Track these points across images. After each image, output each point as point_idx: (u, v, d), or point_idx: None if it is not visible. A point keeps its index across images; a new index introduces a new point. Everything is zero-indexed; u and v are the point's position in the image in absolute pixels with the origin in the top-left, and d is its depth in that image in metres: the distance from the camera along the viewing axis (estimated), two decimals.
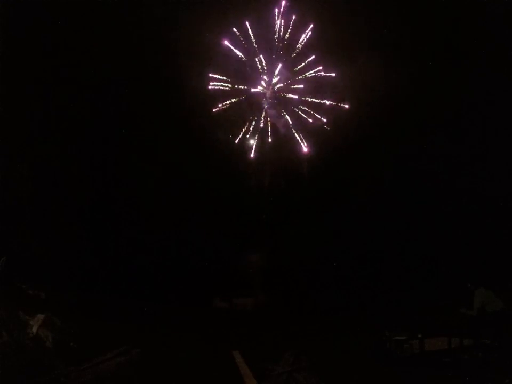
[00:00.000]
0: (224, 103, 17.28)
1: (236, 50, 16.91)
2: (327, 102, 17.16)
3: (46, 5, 12.45)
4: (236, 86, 17.36)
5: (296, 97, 17.63)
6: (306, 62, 17.13)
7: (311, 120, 17.36)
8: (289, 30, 16.86)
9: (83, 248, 13.91)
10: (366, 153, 15.88)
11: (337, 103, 16.96)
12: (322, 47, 16.56)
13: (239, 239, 16.46)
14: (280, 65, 17.41)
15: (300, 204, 16.94)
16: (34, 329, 7.49)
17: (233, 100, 17.46)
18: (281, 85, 17.74)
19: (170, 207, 16.02)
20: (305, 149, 17.33)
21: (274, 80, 17.64)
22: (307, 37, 16.71)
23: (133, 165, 15.83)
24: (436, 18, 14.01)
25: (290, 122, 17.57)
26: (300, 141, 17.40)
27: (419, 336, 8.70)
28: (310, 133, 17.37)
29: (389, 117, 15.29)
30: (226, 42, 16.68)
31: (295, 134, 17.46)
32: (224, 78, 17.14)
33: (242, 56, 17.06)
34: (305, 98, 17.52)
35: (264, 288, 16.80)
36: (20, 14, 11.67)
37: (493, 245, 12.52)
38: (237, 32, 16.65)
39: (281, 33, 16.91)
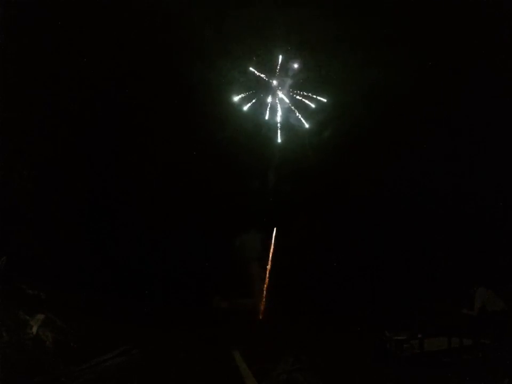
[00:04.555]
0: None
1: None
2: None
3: (45, 4, 12.40)
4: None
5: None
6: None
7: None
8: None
9: (83, 248, 13.89)
10: (366, 153, 15.87)
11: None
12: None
13: (239, 239, 16.47)
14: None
15: (300, 203, 16.93)
16: (34, 329, 7.49)
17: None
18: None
19: (171, 205, 16.01)
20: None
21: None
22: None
23: (132, 165, 15.81)
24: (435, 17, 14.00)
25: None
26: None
27: (419, 336, 8.70)
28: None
29: (389, 116, 15.29)
30: None
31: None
32: None
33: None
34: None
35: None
36: (18, 12, 11.64)
37: (493, 245, 12.51)
38: None
39: None
